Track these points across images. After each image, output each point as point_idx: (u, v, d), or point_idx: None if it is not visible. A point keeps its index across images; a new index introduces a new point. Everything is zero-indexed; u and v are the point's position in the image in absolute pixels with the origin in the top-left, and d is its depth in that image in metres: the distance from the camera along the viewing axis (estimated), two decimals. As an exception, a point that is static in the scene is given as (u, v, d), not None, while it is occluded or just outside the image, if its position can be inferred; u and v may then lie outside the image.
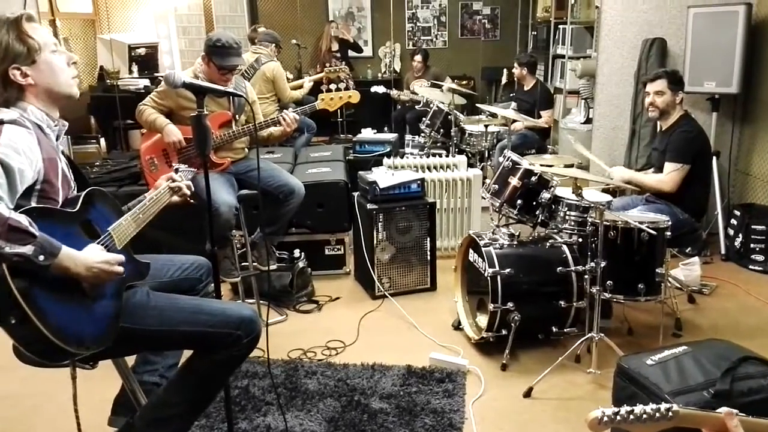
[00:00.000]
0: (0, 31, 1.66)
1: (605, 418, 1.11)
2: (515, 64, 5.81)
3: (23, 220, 1.44)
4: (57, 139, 1.80)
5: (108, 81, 5.80)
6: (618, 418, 1.12)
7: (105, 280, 1.62)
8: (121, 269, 1.65)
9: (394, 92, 6.72)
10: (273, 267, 3.52)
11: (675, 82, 3.25)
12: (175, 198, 2.06)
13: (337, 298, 3.71)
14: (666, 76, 3.25)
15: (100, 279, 1.60)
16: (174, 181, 2.06)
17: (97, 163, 4.31)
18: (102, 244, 1.68)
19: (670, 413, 1.14)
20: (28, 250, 1.42)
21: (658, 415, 1.13)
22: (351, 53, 7.57)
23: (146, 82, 5.76)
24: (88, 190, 1.78)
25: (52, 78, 1.73)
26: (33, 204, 1.62)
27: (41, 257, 1.44)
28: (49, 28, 5.02)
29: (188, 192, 2.09)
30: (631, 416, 1.12)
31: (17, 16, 1.68)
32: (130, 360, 2.16)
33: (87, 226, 1.71)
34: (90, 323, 1.61)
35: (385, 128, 6.63)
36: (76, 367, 1.69)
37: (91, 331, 1.60)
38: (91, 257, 1.58)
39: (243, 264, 3.50)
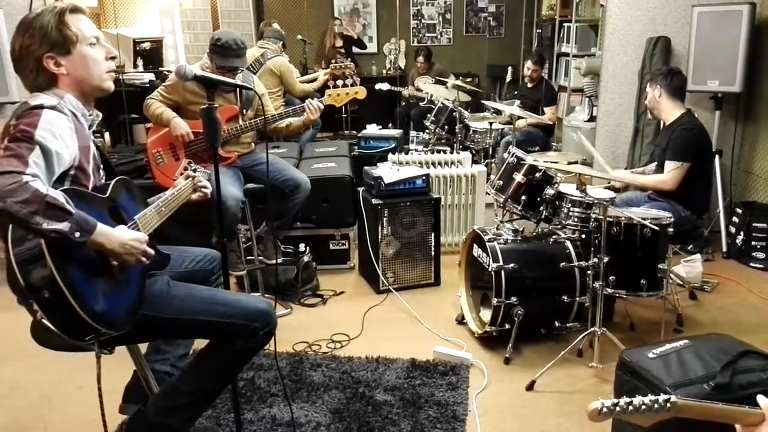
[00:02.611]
0: (43, 19, 1.70)
1: (605, 409, 1.13)
2: (532, 64, 5.76)
3: (60, 197, 1.48)
4: (89, 129, 1.84)
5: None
6: (617, 409, 1.14)
7: (136, 259, 1.67)
8: (150, 249, 1.70)
9: (405, 90, 6.77)
10: (278, 261, 3.55)
11: (654, 79, 3.34)
12: (194, 196, 2.10)
13: (342, 293, 3.74)
14: (651, 75, 3.33)
15: (132, 257, 1.65)
16: (194, 178, 2.11)
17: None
18: None
19: (668, 404, 1.15)
20: (64, 226, 1.46)
21: (656, 406, 1.15)
22: (355, 50, 7.59)
23: (151, 76, 5.77)
24: (117, 178, 1.83)
25: (84, 70, 1.76)
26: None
27: (77, 234, 1.48)
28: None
29: (209, 190, 2.13)
30: (630, 407, 1.14)
31: (63, 7, 1.72)
32: (142, 348, 2.19)
33: (115, 213, 1.76)
34: (115, 305, 1.65)
35: (390, 125, 6.65)
36: (95, 351, 1.72)
37: (116, 312, 1.64)
38: (125, 235, 1.64)
39: (248, 258, 3.54)
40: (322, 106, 3.31)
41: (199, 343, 2.07)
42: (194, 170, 2.14)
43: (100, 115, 1.88)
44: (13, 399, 2.70)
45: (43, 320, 1.52)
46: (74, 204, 1.51)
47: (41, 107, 1.64)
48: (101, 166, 1.87)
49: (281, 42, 5.06)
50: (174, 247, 2.16)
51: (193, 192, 2.09)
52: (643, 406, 1.14)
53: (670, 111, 3.31)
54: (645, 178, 3.37)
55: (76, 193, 1.61)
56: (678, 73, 3.36)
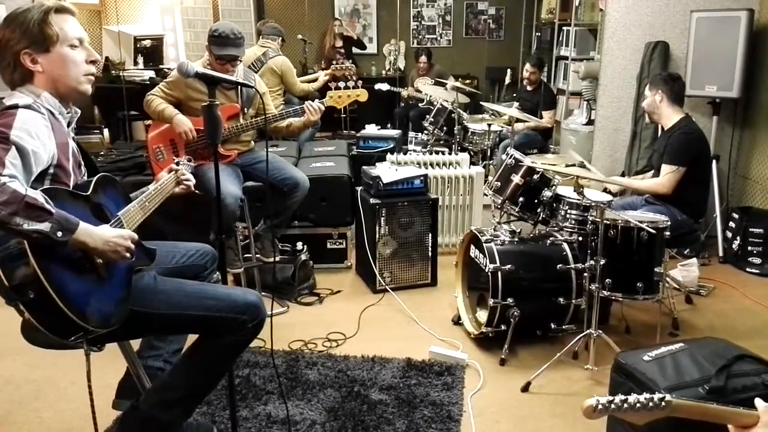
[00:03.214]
0: (28, 15, 1.69)
1: (600, 407, 1.14)
2: (531, 67, 5.78)
3: (39, 197, 1.47)
4: (68, 126, 1.82)
5: (113, 72, 5.82)
6: (612, 406, 1.14)
7: (121, 255, 1.66)
8: (133, 246, 1.69)
9: (404, 91, 6.80)
10: (276, 259, 3.55)
11: (655, 83, 3.36)
12: (178, 189, 2.09)
13: (339, 292, 3.74)
14: (651, 79, 3.34)
15: (117, 253, 1.64)
16: (177, 171, 2.10)
17: (102, 153, 4.34)
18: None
19: (663, 403, 1.16)
20: (45, 226, 1.45)
21: (651, 404, 1.16)
22: (355, 50, 7.60)
23: (151, 73, 5.77)
24: (98, 175, 1.81)
25: (62, 70, 1.74)
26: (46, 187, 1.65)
27: (59, 233, 1.47)
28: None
29: (192, 183, 2.12)
30: (625, 405, 1.15)
31: (49, 6, 1.72)
32: (135, 344, 2.19)
33: (97, 210, 1.74)
34: (102, 302, 1.64)
35: (389, 125, 6.67)
36: (84, 348, 1.72)
37: (102, 309, 1.63)
38: (108, 232, 1.63)
39: (246, 255, 3.54)
40: (323, 108, 3.31)
41: (192, 339, 2.07)
42: (177, 163, 2.13)
43: (79, 112, 1.87)
44: (7, 393, 2.70)
45: (31, 320, 1.51)
46: (55, 203, 1.50)
47: (16, 107, 1.62)
48: (82, 163, 1.85)
49: (280, 38, 5.06)
50: (164, 243, 2.15)
51: (176, 185, 2.08)
52: (638, 404, 1.15)
53: (669, 116, 3.33)
54: (640, 182, 3.39)
55: (56, 192, 1.59)
56: (679, 78, 3.38)
